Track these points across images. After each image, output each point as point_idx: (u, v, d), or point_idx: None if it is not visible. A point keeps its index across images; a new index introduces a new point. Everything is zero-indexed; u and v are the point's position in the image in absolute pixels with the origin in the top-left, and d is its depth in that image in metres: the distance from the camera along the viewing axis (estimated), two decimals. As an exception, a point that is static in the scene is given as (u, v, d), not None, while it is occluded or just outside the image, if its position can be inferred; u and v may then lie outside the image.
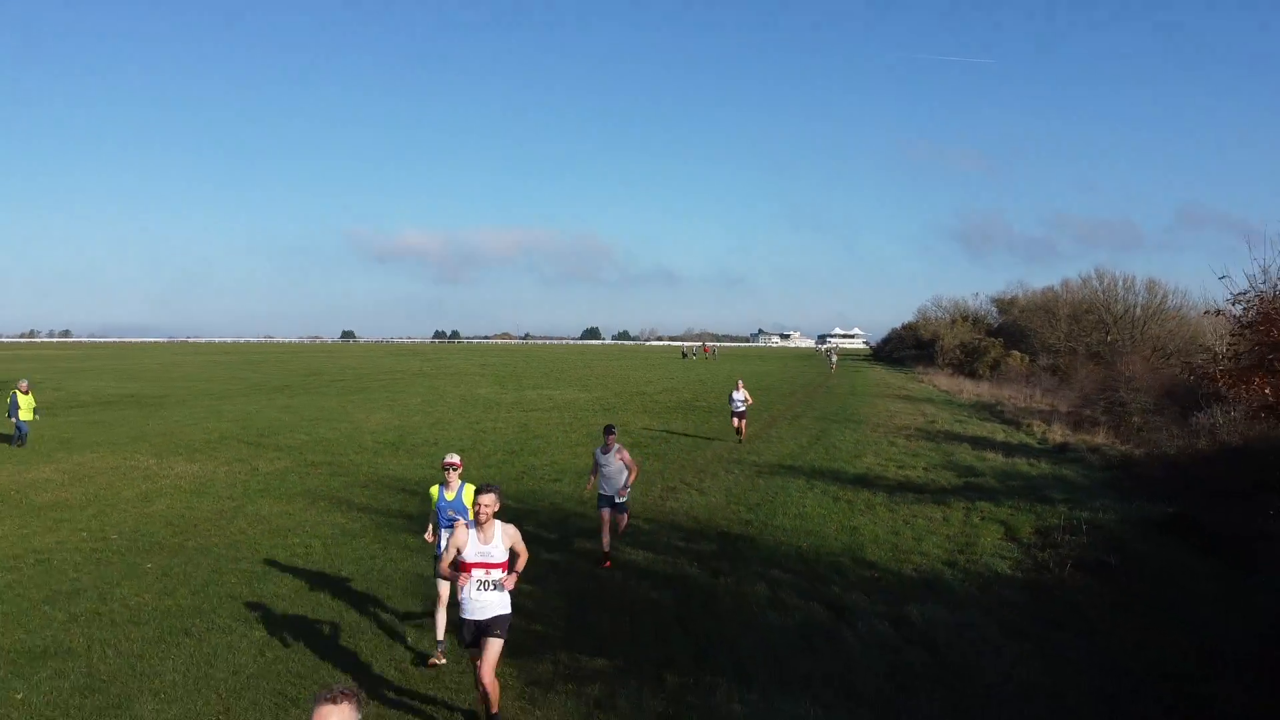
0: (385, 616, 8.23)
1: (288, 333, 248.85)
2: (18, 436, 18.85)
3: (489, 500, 5.89)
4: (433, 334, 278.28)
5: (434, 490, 7.72)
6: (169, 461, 16.90)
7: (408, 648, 7.46)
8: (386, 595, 8.83)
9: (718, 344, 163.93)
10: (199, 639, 7.48)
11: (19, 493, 13.71)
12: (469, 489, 7.49)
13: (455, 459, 7.72)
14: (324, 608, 8.42)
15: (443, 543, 7.32)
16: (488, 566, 5.89)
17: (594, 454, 10.81)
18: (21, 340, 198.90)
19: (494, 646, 5.84)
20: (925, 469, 17.52)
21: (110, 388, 37.95)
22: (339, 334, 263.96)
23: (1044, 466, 18.33)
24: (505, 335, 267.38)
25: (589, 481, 11.03)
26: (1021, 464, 18.67)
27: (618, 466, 10.42)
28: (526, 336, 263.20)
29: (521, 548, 6.10)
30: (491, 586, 5.90)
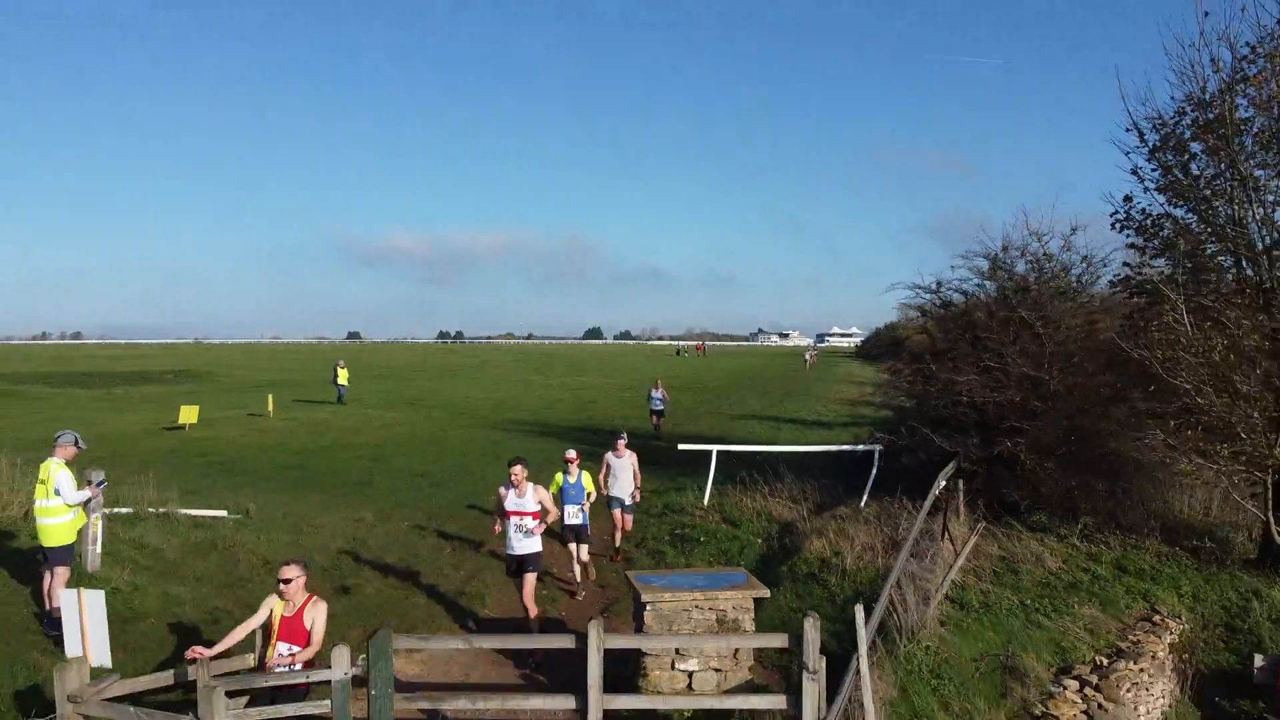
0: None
1: (294, 334, 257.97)
2: (340, 397, 30.00)
3: (518, 470, 7.68)
4: (437, 334, 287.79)
5: (559, 477, 9.45)
6: (375, 412, 27.82)
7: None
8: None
9: (716, 343, 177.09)
10: (491, 461, 18.35)
11: (324, 423, 24.60)
12: (587, 476, 9.49)
13: (573, 454, 9.52)
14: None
15: (566, 516, 9.17)
16: (521, 514, 7.67)
17: (606, 458, 10.94)
18: (34, 342, 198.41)
19: (529, 579, 7.60)
20: (834, 416, 28.39)
21: (256, 377, 48.93)
22: (344, 334, 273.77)
23: (914, 417, 29.13)
24: (509, 335, 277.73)
25: (602, 485, 10.70)
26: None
27: (628, 469, 10.78)
28: (529, 336, 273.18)
29: (550, 505, 7.80)
30: (525, 531, 7.66)
